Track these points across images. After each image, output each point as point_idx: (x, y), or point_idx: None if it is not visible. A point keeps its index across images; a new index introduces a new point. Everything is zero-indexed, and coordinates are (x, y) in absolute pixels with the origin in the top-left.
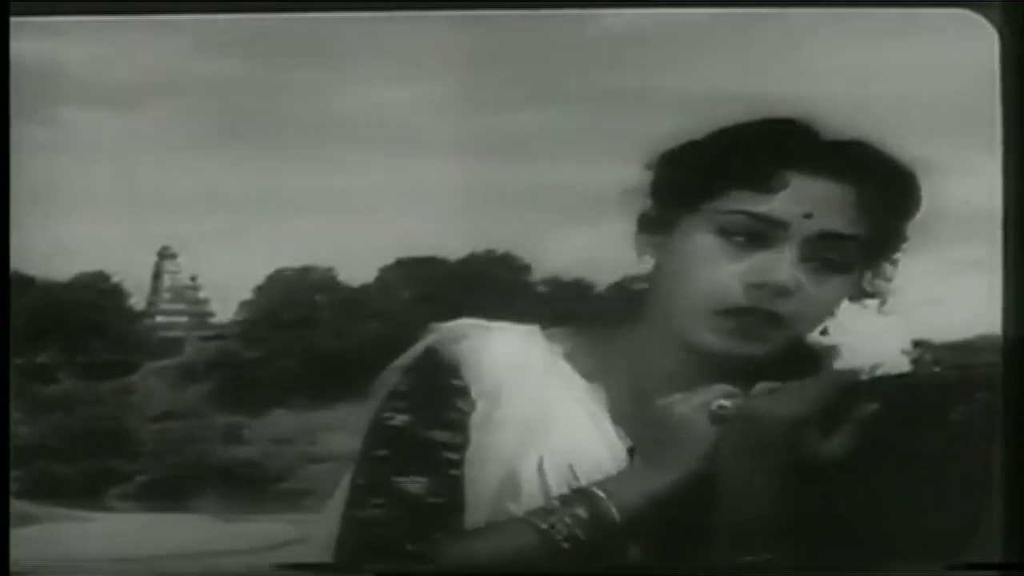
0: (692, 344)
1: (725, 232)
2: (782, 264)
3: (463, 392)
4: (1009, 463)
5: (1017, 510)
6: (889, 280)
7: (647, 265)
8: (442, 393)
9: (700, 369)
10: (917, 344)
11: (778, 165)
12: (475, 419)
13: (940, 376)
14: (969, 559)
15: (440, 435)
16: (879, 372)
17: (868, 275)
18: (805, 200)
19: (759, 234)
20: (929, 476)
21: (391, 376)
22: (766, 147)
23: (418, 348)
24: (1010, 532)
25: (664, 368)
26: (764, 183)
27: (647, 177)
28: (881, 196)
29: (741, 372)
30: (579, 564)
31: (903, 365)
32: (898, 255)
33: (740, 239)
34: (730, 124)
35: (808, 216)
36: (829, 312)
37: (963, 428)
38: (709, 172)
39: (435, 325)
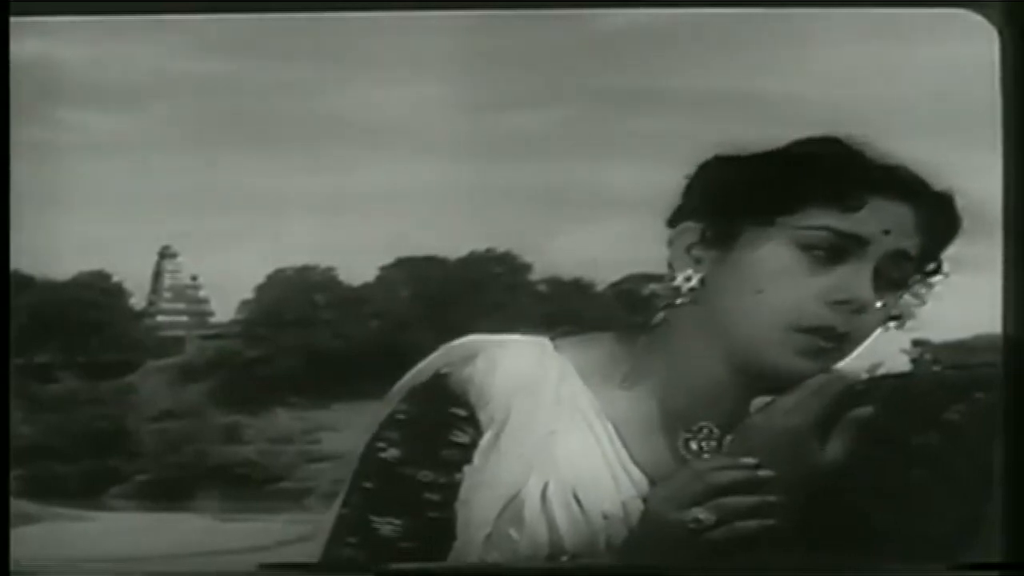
0: (757, 363)
1: (805, 247)
2: (864, 281)
3: (467, 421)
4: (1009, 463)
5: (1017, 510)
6: (923, 303)
7: (691, 281)
8: (442, 426)
9: (740, 389)
10: (917, 344)
11: (855, 182)
12: (481, 445)
13: (940, 376)
14: (969, 559)
15: (428, 475)
16: (879, 372)
17: (903, 298)
18: (883, 219)
19: (840, 250)
20: (929, 476)
21: (392, 399)
22: (831, 164)
23: (425, 371)
24: (1010, 532)
25: (698, 388)
26: (845, 200)
27: (695, 188)
28: (934, 219)
29: (774, 390)
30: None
31: (903, 365)
32: (936, 279)
33: (820, 254)
34: (783, 143)
35: (887, 233)
36: (874, 331)
37: (963, 428)
38: (783, 186)
39: (442, 346)
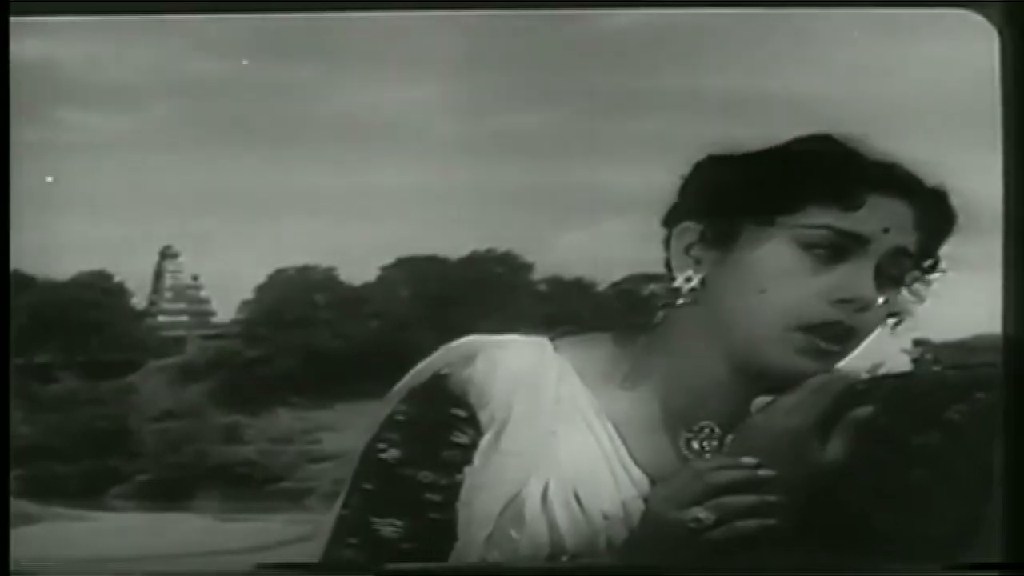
0: (758, 362)
1: (807, 246)
2: (866, 279)
3: (467, 422)
4: (1009, 463)
5: (1017, 510)
6: (922, 301)
7: (691, 282)
8: (442, 426)
9: (741, 388)
10: (917, 343)
11: (853, 181)
12: (481, 445)
13: (940, 376)
14: (969, 559)
15: (429, 476)
16: (879, 372)
17: (902, 296)
18: (882, 216)
19: (841, 248)
20: (929, 476)
21: (392, 400)
22: (829, 163)
23: (424, 372)
24: (1010, 532)
25: (699, 388)
26: (845, 198)
27: (690, 188)
28: (930, 215)
29: (775, 390)
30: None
31: (903, 365)
32: (934, 276)
33: (821, 253)
34: (778, 142)
35: (886, 231)
36: (875, 330)
37: (963, 428)
38: (782, 185)
39: (442, 347)
